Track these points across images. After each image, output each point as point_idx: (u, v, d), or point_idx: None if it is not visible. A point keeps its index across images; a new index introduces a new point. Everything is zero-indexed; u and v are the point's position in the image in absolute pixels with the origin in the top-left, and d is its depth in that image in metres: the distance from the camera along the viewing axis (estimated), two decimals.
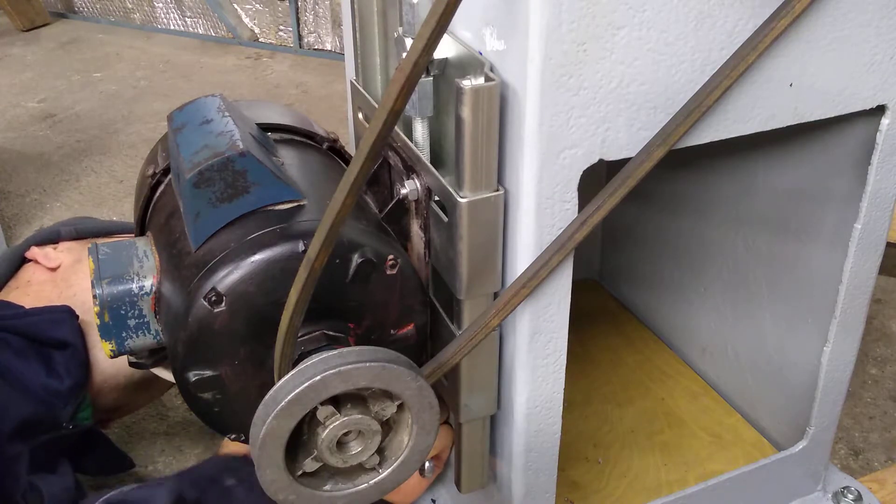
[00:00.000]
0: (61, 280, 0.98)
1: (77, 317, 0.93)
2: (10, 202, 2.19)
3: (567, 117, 0.54)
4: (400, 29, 0.61)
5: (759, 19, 0.55)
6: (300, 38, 3.41)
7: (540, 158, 0.54)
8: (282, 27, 3.47)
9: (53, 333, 0.90)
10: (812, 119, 0.63)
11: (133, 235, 0.94)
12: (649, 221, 1.07)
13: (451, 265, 0.61)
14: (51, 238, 1.03)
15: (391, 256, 0.65)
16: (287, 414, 0.51)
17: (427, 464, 0.84)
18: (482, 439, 0.72)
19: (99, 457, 1.05)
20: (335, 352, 0.52)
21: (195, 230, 0.66)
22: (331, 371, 0.50)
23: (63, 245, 1.02)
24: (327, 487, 0.57)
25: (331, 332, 0.64)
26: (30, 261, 1.02)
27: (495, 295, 0.63)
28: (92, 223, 1.09)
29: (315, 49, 3.41)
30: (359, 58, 0.74)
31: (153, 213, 0.78)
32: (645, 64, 0.54)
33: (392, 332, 0.68)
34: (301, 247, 0.62)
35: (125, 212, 2.11)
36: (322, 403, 0.52)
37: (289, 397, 0.50)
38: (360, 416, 0.54)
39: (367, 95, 0.75)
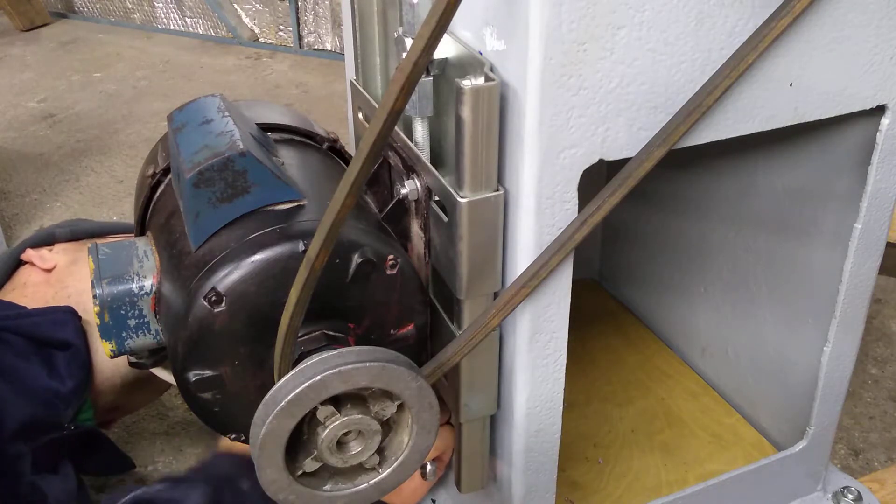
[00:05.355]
0: (56, 281, 0.98)
1: (80, 317, 0.93)
2: (10, 202, 2.19)
3: (567, 117, 0.54)
4: (400, 29, 0.61)
5: (759, 19, 0.55)
6: (300, 38, 3.41)
7: (540, 158, 0.54)
8: (282, 27, 3.47)
9: (56, 334, 0.90)
10: (812, 119, 0.63)
11: (129, 235, 0.94)
12: (649, 221, 1.07)
13: (451, 265, 0.61)
14: (46, 240, 1.03)
15: (391, 256, 0.65)
16: (287, 414, 0.51)
17: (429, 466, 0.84)
18: (482, 439, 0.72)
19: (100, 457, 1.05)
20: (335, 352, 0.52)
21: (195, 230, 0.66)
22: (331, 371, 0.50)
23: (58, 246, 1.02)
24: (327, 487, 0.57)
25: (331, 332, 0.64)
26: (25, 263, 1.02)
27: (495, 295, 0.63)
28: (87, 224, 1.09)
29: (315, 49, 3.41)
30: (359, 58, 0.74)
31: (153, 213, 0.78)
32: (645, 64, 0.54)
33: (392, 332, 0.68)
34: (301, 247, 0.62)
35: (125, 212, 2.12)
36: (322, 403, 0.52)
37: (289, 397, 0.50)
38: (360, 416, 0.54)
39: (367, 95, 0.75)
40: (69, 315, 0.92)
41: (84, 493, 0.91)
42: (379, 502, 0.62)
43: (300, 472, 0.55)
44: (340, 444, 0.56)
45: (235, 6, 3.55)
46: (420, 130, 0.62)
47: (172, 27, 3.74)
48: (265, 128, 0.79)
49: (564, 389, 0.67)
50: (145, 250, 0.73)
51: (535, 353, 0.64)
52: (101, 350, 0.71)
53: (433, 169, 0.61)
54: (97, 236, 1.06)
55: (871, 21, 0.60)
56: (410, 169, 0.65)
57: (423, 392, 0.54)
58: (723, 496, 0.83)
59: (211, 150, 0.65)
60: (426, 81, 0.60)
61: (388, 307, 0.67)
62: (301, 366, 0.52)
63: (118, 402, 1.03)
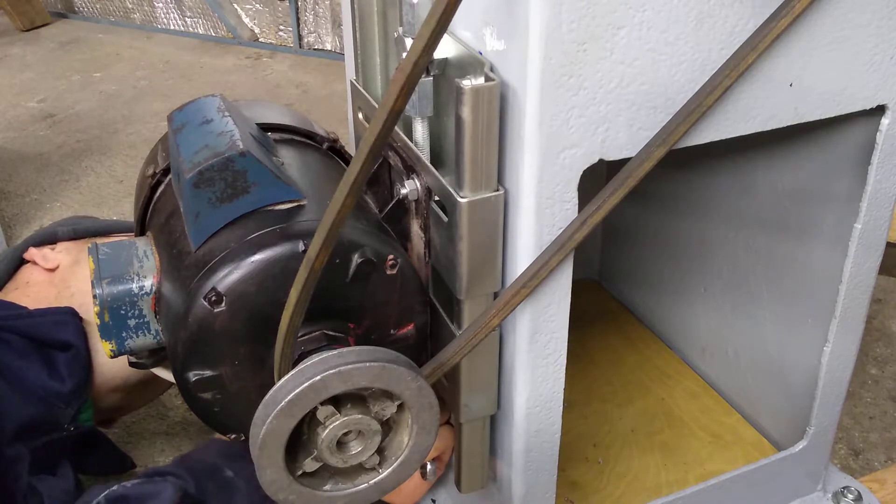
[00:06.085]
0: (60, 281, 0.98)
1: (80, 318, 0.93)
2: (10, 202, 2.19)
3: (567, 117, 0.54)
4: (400, 29, 0.61)
5: (759, 19, 0.55)
6: (300, 38, 3.41)
7: (540, 158, 0.54)
8: (282, 27, 3.47)
9: (56, 335, 0.90)
10: (812, 119, 0.63)
11: (130, 234, 0.94)
12: (649, 221, 1.07)
13: (451, 265, 0.61)
14: (48, 239, 1.03)
15: (391, 256, 0.65)
16: (287, 414, 0.51)
17: (429, 466, 0.84)
18: (482, 439, 0.72)
19: (100, 457, 1.05)
20: (335, 352, 0.52)
21: (195, 230, 0.66)
22: (330, 371, 0.50)
23: (61, 246, 1.02)
24: (327, 487, 0.57)
25: (331, 332, 0.64)
26: (28, 262, 1.02)
27: (495, 295, 0.63)
28: (89, 223, 1.09)
29: (315, 49, 3.41)
30: (359, 58, 0.74)
31: (153, 213, 0.78)
32: (645, 64, 0.54)
33: (392, 332, 0.68)
34: (301, 247, 0.62)
35: (125, 212, 2.11)
36: (322, 403, 0.52)
37: (289, 397, 0.50)
38: (360, 416, 0.54)
39: (367, 95, 0.75)
40: (69, 316, 0.92)
41: (81, 494, 0.91)
42: (379, 502, 0.62)
43: (300, 472, 0.55)
44: (340, 444, 0.56)
45: (235, 6, 3.55)
46: (420, 130, 0.62)
47: (172, 27, 3.74)
48: (265, 128, 0.79)
49: (564, 389, 0.67)
50: (145, 250, 0.73)
51: (535, 353, 0.64)
52: (102, 350, 0.71)
53: (433, 169, 0.61)
54: (99, 235, 1.06)
55: (871, 21, 0.60)
56: (410, 169, 0.65)
57: (423, 392, 0.54)
58: (723, 496, 0.83)
59: (211, 150, 0.65)
60: (426, 81, 0.60)
61: (388, 307, 0.67)
62: (301, 366, 0.52)
63: (119, 402, 1.03)
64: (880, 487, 0.97)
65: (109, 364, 0.95)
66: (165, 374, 0.86)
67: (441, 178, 0.59)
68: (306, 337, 0.63)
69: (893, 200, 0.72)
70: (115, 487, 0.76)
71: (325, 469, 0.57)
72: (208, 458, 0.84)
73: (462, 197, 0.56)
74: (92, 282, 0.68)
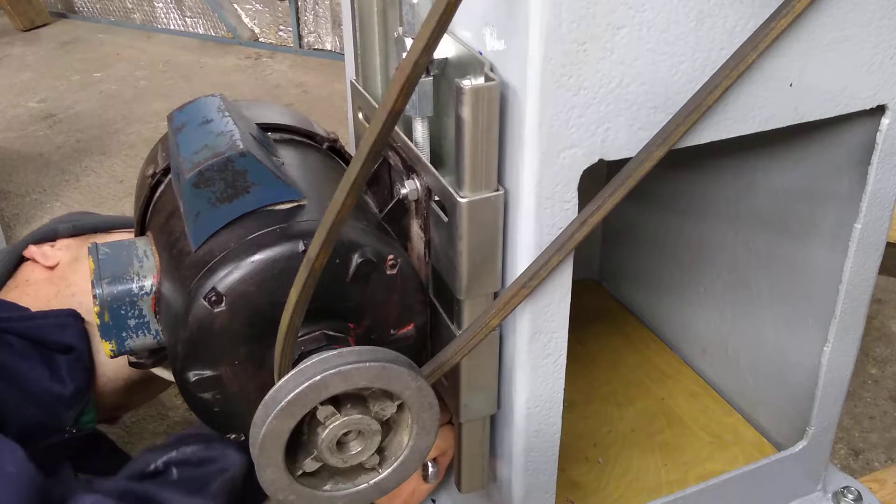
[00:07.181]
0: (60, 279, 0.98)
1: (82, 320, 0.93)
2: (10, 202, 2.19)
3: (567, 117, 0.54)
4: (400, 29, 0.61)
5: (759, 19, 0.55)
6: (300, 38, 3.41)
7: (540, 158, 0.54)
8: (282, 27, 3.47)
9: (58, 337, 0.90)
10: (812, 119, 0.63)
11: (130, 230, 0.94)
12: (649, 221, 1.07)
13: (451, 265, 0.61)
14: (48, 236, 1.03)
15: (391, 256, 0.65)
16: (287, 414, 0.51)
17: (430, 468, 0.84)
18: (482, 439, 0.72)
19: (101, 458, 1.05)
20: (335, 352, 0.52)
21: (195, 230, 0.66)
22: (331, 371, 0.50)
23: (61, 243, 1.02)
24: (327, 487, 0.57)
25: (331, 332, 0.64)
26: (28, 259, 1.02)
27: (495, 295, 0.63)
28: (89, 219, 1.08)
29: (315, 49, 3.41)
30: (359, 58, 0.74)
31: (153, 213, 0.78)
32: (645, 64, 0.54)
33: (392, 331, 0.68)
34: (301, 247, 0.62)
35: (125, 211, 2.12)
36: (322, 403, 0.52)
37: (289, 397, 0.50)
38: (360, 416, 0.54)
39: (367, 95, 0.75)
40: (71, 318, 0.92)
41: None
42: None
43: (300, 472, 0.55)
44: (340, 444, 0.56)
45: (235, 6, 3.55)
46: (420, 130, 0.62)
47: (172, 27, 3.75)
48: (265, 128, 0.79)
49: (564, 389, 0.67)
50: (145, 250, 0.73)
51: (535, 352, 0.64)
52: (103, 350, 0.71)
53: (433, 169, 0.61)
54: (99, 231, 1.05)
55: (871, 21, 0.60)
56: (410, 169, 0.65)
57: (423, 392, 0.54)
58: (723, 496, 0.83)
59: (211, 150, 0.65)
60: (426, 81, 0.60)
61: (388, 307, 0.67)
62: (301, 366, 0.52)
63: (120, 401, 1.03)
64: (880, 487, 0.97)
65: (111, 364, 0.95)
66: (165, 374, 0.86)
67: (441, 178, 0.59)
68: (306, 337, 0.63)
69: (893, 200, 0.72)
70: (173, 453, 0.76)
71: (325, 469, 0.57)
72: None
73: (462, 197, 0.56)
74: (92, 282, 0.68)
